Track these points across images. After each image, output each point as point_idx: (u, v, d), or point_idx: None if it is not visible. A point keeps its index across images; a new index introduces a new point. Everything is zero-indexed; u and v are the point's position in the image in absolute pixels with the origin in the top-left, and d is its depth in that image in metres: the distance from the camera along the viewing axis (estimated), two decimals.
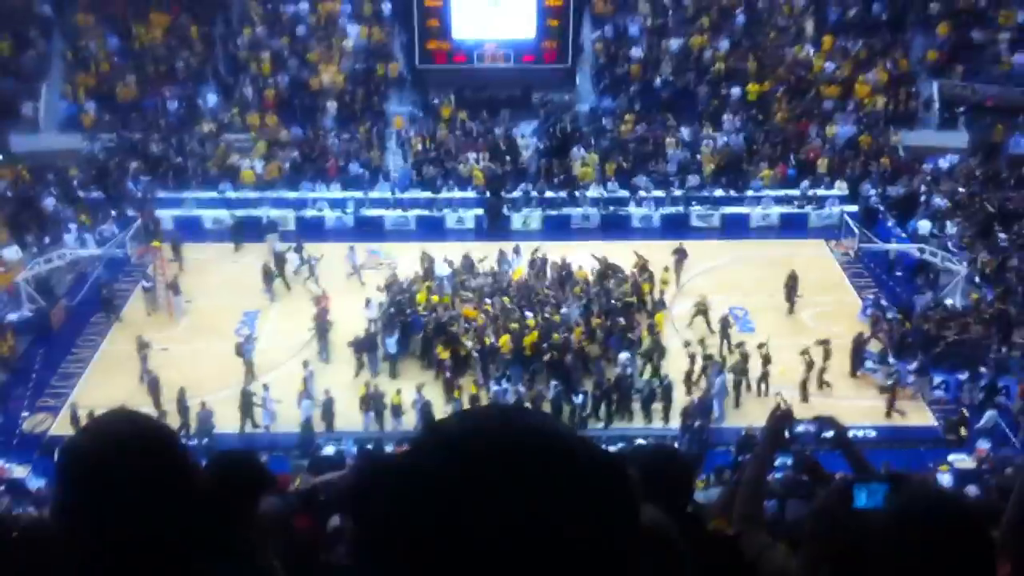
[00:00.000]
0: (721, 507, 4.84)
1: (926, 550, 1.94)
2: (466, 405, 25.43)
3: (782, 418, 4.71)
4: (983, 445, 24.21)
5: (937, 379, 27.33)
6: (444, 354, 27.50)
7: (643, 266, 31.19)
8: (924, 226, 34.20)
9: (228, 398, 26.08)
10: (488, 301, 29.36)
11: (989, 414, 25.55)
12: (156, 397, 26.29)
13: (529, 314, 28.42)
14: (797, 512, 6.07)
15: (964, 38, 41.20)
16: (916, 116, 40.12)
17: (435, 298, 29.50)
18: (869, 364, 28.07)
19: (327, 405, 25.96)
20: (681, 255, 32.35)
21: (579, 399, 26.28)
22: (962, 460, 23.93)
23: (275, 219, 35.51)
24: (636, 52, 41.86)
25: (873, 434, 25.28)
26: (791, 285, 30.66)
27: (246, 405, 26.05)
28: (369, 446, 24.32)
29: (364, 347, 28.10)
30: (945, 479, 21.84)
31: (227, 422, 25.74)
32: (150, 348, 27.83)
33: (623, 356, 27.14)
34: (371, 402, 26.13)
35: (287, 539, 4.49)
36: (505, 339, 27.19)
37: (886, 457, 22.71)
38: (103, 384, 27.70)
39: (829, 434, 4.69)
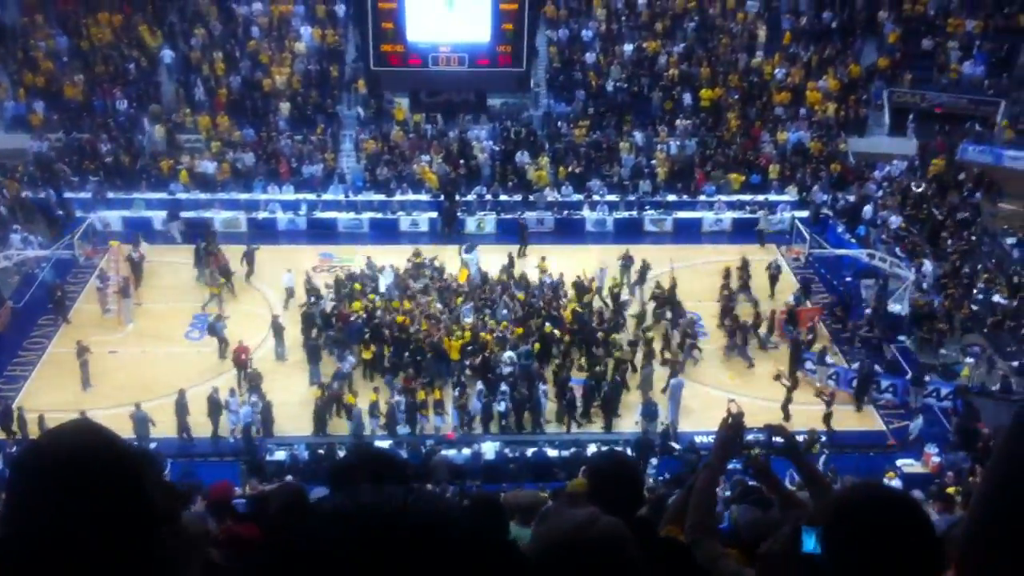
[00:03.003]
0: (673, 515, 4.84)
1: None
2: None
3: (733, 426, 4.72)
4: (930, 450, 24.44)
5: (884, 383, 27.59)
6: (367, 354, 27.47)
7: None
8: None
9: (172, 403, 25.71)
10: (425, 300, 29.59)
11: (916, 423, 25.80)
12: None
13: (468, 318, 28.47)
14: (746, 517, 6.06)
15: (913, 46, 41.82)
16: (866, 123, 40.60)
17: (377, 301, 29.39)
18: (808, 365, 28.37)
19: (265, 409, 25.62)
20: (628, 261, 32.46)
21: (501, 406, 26.04)
22: (910, 465, 24.21)
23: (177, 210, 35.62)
24: (590, 57, 42.03)
25: (822, 439, 25.47)
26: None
27: (214, 409, 25.62)
28: (321, 451, 24.24)
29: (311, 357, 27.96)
30: (894, 484, 22.08)
31: (173, 427, 25.38)
32: (90, 353, 27.43)
33: (506, 355, 26.98)
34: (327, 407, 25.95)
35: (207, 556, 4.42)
36: (447, 341, 27.28)
37: (835, 462, 23.08)
38: (49, 387, 27.32)
39: (779, 441, 4.70)
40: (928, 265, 31.72)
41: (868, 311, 30.67)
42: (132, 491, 2.33)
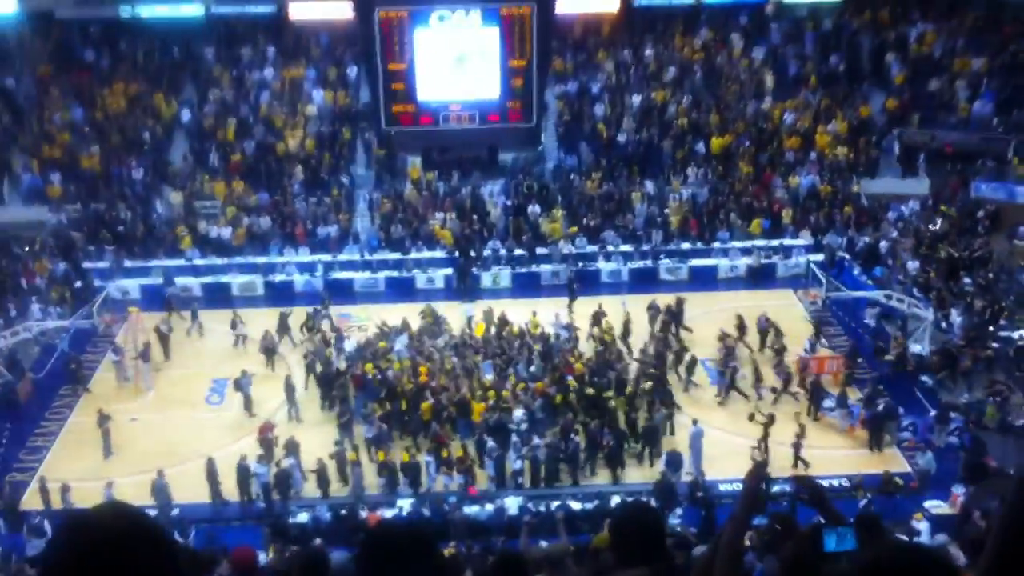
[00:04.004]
0: (702, 569, 4.81)
1: None
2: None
3: (757, 478, 4.71)
4: (958, 491, 24.16)
5: (904, 421, 27.38)
6: (379, 411, 27.49)
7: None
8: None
9: (199, 467, 25.68)
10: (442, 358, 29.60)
11: (926, 457, 25.59)
12: None
13: (488, 375, 28.50)
14: (772, 569, 6.04)
15: (921, 87, 42.00)
16: (877, 164, 40.68)
17: (395, 363, 29.33)
18: (827, 404, 28.22)
19: (282, 473, 25.47)
20: (655, 311, 32.51)
21: (517, 465, 25.87)
22: (938, 506, 23.89)
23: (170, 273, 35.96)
24: (599, 109, 42.36)
25: (846, 483, 25.26)
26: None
27: (242, 478, 25.46)
28: (343, 512, 24.13)
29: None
30: (922, 527, 21.82)
31: (197, 492, 25.29)
32: (111, 421, 27.48)
33: (517, 413, 26.93)
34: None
35: None
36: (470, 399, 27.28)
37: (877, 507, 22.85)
38: (72, 457, 27.38)
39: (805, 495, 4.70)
40: (956, 316, 31.21)
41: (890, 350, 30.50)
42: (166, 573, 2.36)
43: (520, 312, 32.44)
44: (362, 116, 41.98)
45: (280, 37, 44.23)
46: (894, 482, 24.87)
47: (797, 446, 25.88)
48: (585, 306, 33.00)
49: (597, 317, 31.89)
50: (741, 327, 31.31)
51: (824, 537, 2.09)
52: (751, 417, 26.90)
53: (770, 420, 26.54)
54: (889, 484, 24.60)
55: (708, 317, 32.83)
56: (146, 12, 42.32)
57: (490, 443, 26.01)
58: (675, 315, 32.34)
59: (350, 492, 25.40)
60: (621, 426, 27.14)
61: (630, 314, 31.91)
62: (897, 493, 24.68)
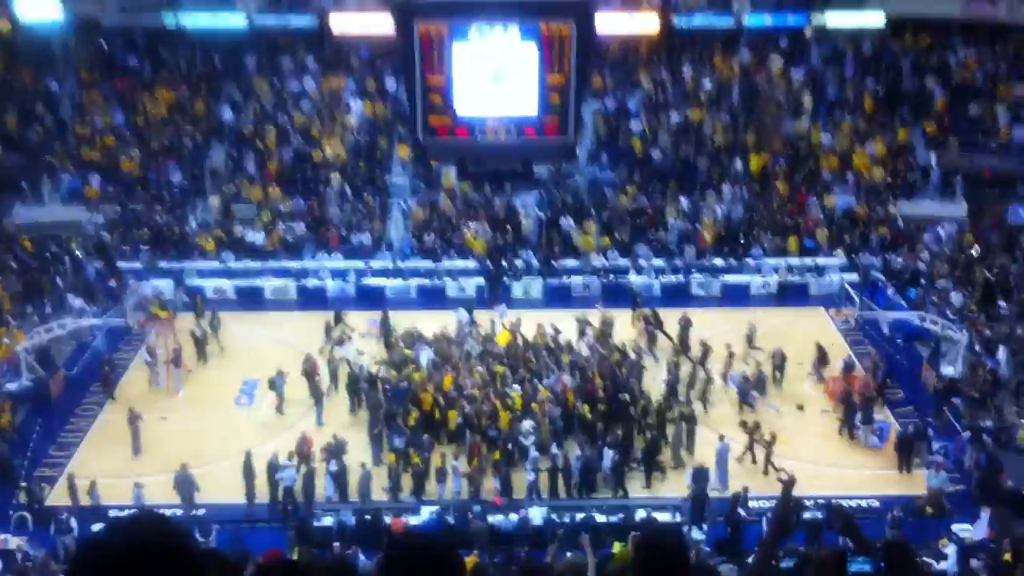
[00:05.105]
0: None
1: None
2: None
3: (787, 506, 4.73)
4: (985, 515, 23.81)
5: (936, 445, 27.05)
6: (411, 419, 27.48)
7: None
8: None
9: (228, 468, 25.83)
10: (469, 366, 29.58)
11: (941, 476, 25.26)
12: None
13: (517, 387, 28.41)
14: None
15: (961, 111, 41.71)
16: (914, 186, 40.39)
17: (416, 375, 29.28)
18: (857, 422, 28.04)
19: (308, 476, 25.49)
20: (686, 324, 32.49)
21: (532, 476, 25.64)
22: (966, 530, 23.54)
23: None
24: (636, 125, 42.35)
25: (876, 504, 25.02)
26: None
27: (272, 478, 25.46)
28: (367, 517, 24.14)
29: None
30: (949, 551, 21.54)
31: (228, 491, 25.42)
32: (142, 420, 27.68)
33: (526, 424, 26.76)
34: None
35: None
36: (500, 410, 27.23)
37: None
38: (100, 454, 27.60)
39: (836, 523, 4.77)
40: (1003, 352, 30.40)
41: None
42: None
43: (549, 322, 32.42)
44: (399, 125, 42.24)
45: (321, 49, 44.62)
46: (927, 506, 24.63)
47: (768, 454, 26.23)
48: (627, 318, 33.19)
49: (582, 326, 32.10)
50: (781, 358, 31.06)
51: (849, 564, 2.10)
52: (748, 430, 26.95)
53: (755, 428, 26.80)
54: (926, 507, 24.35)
55: (737, 333, 32.62)
56: (189, 21, 42.84)
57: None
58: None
59: (357, 494, 25.45)
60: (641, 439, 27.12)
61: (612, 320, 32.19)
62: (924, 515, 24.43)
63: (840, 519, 4.80)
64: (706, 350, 30.71)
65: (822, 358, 30.93)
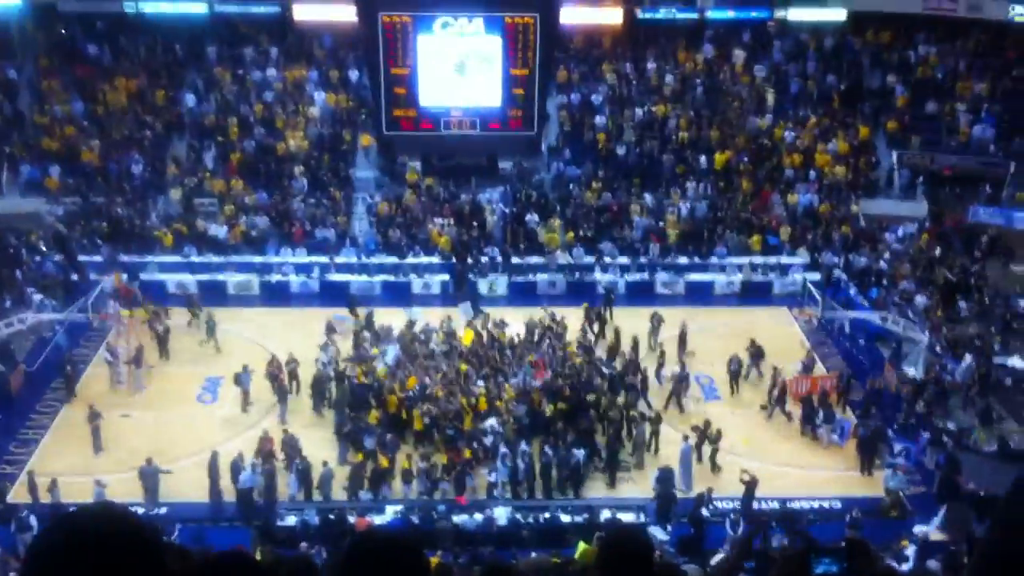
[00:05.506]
0: None
1: None
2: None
3: (752, 530, 4.76)
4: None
5: (897, 446, 27.36)
6: (373, 418, 27.47)
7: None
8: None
9: (190, 466, 25.62)
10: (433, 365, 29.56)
11: (899, 478, 25.67)
12: None
13: (481, 382, 28.42)
14: None
15: (921, 109, 42.11)
16: (876, 185, 40.75)
17: (380, 371, 29.26)
18: (817, 422, 28.31)
19: (268, 475, 25.34)
20: (656, 322, 32.67)
21: (492, 476, 25.66)
22: (922, 529, 23.85)
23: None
24: (600, 120, 42.39)
25: (838, 505, 25.30)
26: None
27: (236, 476, 25.24)
28: (331, 516, 24.07)
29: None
30: (908, 552, 21.82)
31: (190, 489, 25.25)
32: (102, 419, 27.37)
33: (489, 422, 26.89)
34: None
35: None
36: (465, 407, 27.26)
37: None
38: (61, 452, 27.28)
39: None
40: (969, 359, 30.52)
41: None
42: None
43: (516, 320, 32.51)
44: (363, 118, 41.99)
45: (283, 38, 44.22)
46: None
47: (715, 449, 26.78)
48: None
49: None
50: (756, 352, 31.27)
51: (814, 564, 2.09)
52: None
53: (711, 433, 26.99)
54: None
55: (703, 333, 32.81)
56: (149, 8, 42.29)
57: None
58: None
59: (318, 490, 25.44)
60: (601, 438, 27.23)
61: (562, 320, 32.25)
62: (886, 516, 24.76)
63: (804, 540, 4.82)
64: (636, 347, 30.92)
65: (757, 352, 31.06)
